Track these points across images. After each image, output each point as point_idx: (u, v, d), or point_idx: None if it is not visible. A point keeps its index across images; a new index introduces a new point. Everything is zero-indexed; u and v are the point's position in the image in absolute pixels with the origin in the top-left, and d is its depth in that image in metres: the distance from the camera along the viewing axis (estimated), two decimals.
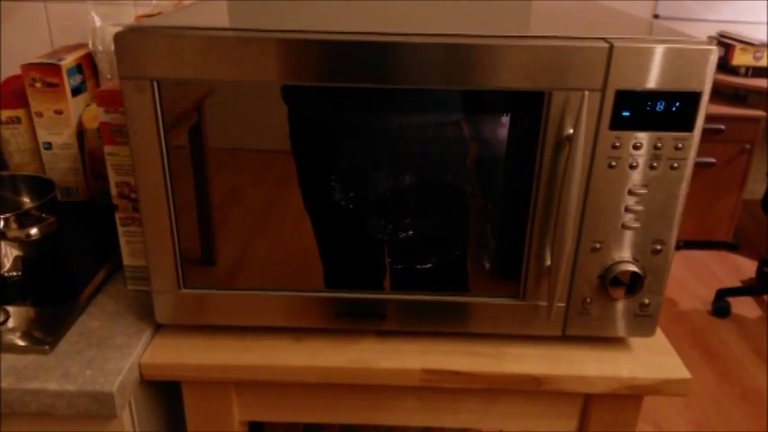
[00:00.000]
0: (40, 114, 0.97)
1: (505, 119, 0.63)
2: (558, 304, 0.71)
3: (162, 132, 0.63)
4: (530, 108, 0.62)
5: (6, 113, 0.98)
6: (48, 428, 0.68)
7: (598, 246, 0.68)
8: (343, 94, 0.63)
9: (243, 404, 0.76)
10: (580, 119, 0.60)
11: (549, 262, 0.68)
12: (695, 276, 2.60)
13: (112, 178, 0.73)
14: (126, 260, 0.78)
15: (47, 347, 0.68)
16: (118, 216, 0.75)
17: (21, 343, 0.69)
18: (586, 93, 0.60)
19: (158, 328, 0.75)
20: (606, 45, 0.59)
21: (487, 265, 0.72)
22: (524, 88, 0.61)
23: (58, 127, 0.97)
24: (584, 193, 0.65)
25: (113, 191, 0.74)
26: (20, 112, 0.98)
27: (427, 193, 0.68)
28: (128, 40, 0.59)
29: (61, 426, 0.68)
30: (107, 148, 0.71)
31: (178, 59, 0.60)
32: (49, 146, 0.99)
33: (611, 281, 0.69)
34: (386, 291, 0.72)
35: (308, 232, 0.69)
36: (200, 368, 0.71)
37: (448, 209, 0.70)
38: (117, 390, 0.65)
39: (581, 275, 0.69)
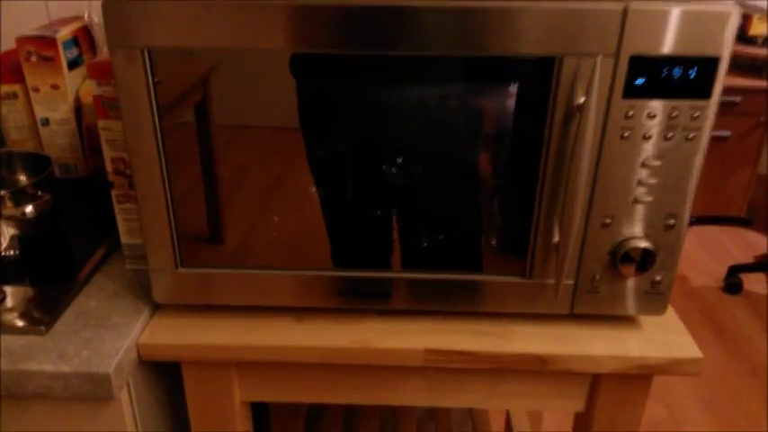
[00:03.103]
0: (36, 89, 0.94)
1: (513, 88, 0.61)
2: (566, 282, 0.68)
3: (155, 105, 0.60)
4: (539, 76, 0.59)
5: (3, 89, 0.96)
6: (46, 410, 0.67)
7: (608, 221, 0.65)
8: (352, 65, 0.60)
9: (244, 384, 0.74)
10: (592, 86, 0.57)
11: (557, 238, 0.66)
12: (707, 252, 2.57)
13: (107, 154, 0.71)
14: (123, 239, 0.76)
15: (42, 328, 0.67)
16: (114, 193, 0.73)
17: (16, 323, 0.67)
18: (599, 58, 0.57)
19: (157, 307, 0.73)
20: (620, 7, 0.56)
21: (494, 242, 0.69)
22: (534, 54, 0.58)
23: (54, 102, 0.95)
24: (594, 166, 0.63)
25: (109, 167, 0.72)
26: (16, 88, 0.96)
27: (434, 167, 0.66)
28: (116, 6, 0.56)
29: (59, 408, 0.67)
30: (101, 123, 0.69)
31: (171, 27, 0.57)
32: (46, 122, 0.97)
33: (622, 257, 0.66)
34: (389, 269, 0.70)
35: (313, 210, 0.67)
36: (199, 348, 0.70)
37: (455, 184, 0.67)
38: (114, 371, 0.63)
39: (590, 252, 0.67)
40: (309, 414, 1.32)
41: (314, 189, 0.66)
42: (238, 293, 0.71)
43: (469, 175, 0.67)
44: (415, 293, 0.70)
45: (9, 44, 0.94)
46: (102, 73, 0.66)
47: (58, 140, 0.98)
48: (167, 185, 0.64)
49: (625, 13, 0.56)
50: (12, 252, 0.79)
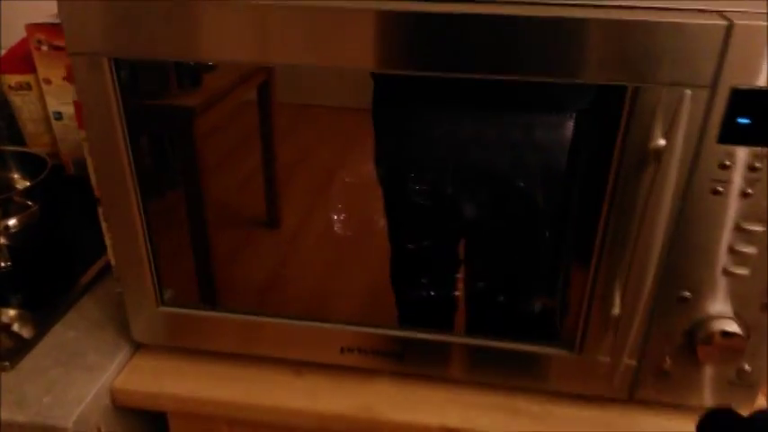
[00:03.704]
0: (48, 81, 0.87)
1: (569, 124, 0.47)
2: (627, 362, 0.54)
3: (124, 120, 0.50)
4: (604, 109, 0.45)
5: (15, 79, 0.89)
6: None
7: (687, 295, 0.51)
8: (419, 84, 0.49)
9: None
10: (677, 126, 0.43)
11: (617, 310, 0.52)
12: None
13: (91, 167, 0.62)
14: (113, 260, 0.67)
15: (7, 364, 0.59)
16: (101, 210, 0.64)
17: None
18: (688, 91, 0.42)
19: (139, 345, 0.64)
20: (723, 23, 0.41)
21: (537, 305, 0.56)
22: (597, 81, 0.44)
23: (67, 95, 0.87)
24: (673, 226, 0.48)
25: (94, 181, 0.63)
26: (30, 78, 0.89)
27: (472, 209, 0.54)
28: (74, 7, 0.46)
29: None
30: (82, 133, 0.60)
31: (137, 30, 0.46)
32: (59, 116, 0.90)
33: (703, 340, 0.52)
34: (404, 328, 0.58)
35: (338, 250, 0.56)
36: (182, 400, 0.60)
37: (493, 230, 0.55)
38: (74, 424, 0.54)
39: (661, 330, 0.53)
40: None
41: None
42: (229, 340, 0.61)
43: (511, 223, 0.54)
44: (432, 357, 0.58)
45: (22, 33, 0.87)
46: None
47: (72, 136, 0.90)
48: (143, 215, 0.54)
49: (729, 30, 0.41)
50: (2, 264, 0.72)
